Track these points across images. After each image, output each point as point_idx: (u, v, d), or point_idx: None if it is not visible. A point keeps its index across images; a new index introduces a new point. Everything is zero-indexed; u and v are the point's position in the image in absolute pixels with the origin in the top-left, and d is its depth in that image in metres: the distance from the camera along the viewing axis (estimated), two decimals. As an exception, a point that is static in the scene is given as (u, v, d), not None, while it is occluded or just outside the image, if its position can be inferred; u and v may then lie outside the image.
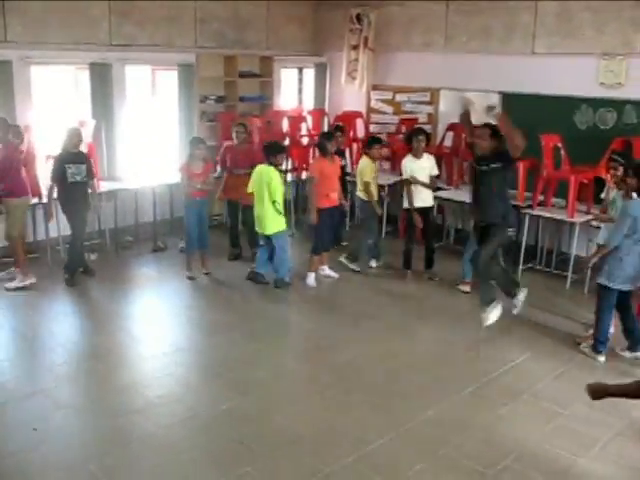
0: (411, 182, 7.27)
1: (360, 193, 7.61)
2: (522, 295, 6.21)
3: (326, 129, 9.80)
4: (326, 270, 7.55)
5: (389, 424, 4.64)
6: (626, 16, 7.38)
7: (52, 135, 7.70)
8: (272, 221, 6.95)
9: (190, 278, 7.34)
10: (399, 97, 9.77)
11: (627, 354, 5.77)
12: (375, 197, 7.56)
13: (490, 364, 5.58)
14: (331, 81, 10.64)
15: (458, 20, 8.88)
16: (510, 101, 8.40)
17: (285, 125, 9.71)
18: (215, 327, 6.23)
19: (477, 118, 6.14)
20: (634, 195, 5.42)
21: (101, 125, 8.24)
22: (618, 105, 7.54)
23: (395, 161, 9.11)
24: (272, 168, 6.89)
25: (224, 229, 8.48)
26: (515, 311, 6.23)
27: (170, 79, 9.10)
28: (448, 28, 9.01)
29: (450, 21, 8.97)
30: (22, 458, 4.16)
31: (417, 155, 7.32)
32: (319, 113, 10.33)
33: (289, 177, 9.44)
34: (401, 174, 7.46)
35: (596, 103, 7.69)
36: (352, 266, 7.72)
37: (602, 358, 5.68)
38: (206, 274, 7.44)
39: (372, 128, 10.03)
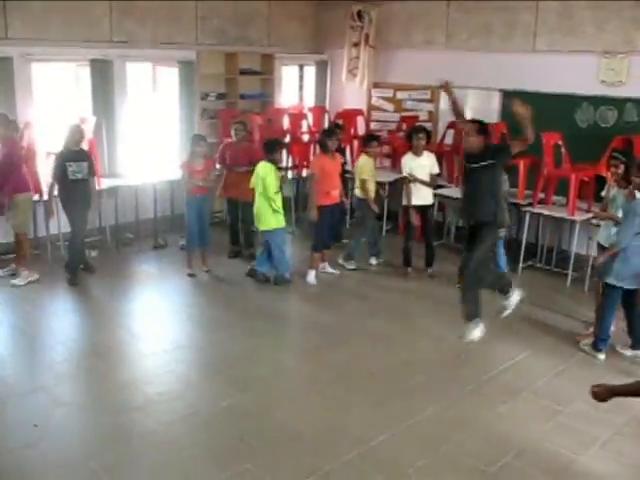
0: (410, 180, 7.27)
1: (357, 191, 7.61)
2: (516, 297, 5.83)
3: (325, 127, 9.79)
4: (326, 268, 7.55)
5: (389, 421, 4.64)
6: (627, 14, 7.37)
7: (53, 132, 7.70)
8: (266, 217, 6.95)
9: (190, 275, 7.34)
10: (400, 95, 9.77)
11: (628, 352, 5.77)
12: (372, 195, 7.55)
13: (490, 362, 5.59)
14: (332, 78, 10.63)
15: (459, 17, 8.87)
16: (511, 99, 8.36)
17: (286, 122, 9.70)
18: (215, 324, 6.24)
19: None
20: (638, 194, 5.41)
21: (102, 122, 8.22)
22: (619, 103, 7.53)
23: (396, 159, 9.11)
24: (269, 164, 6.88)
25: (224, 226, 8.47)
26: (505, 313, 5.82)
27: (171, 76, 9.09)
28: (449, 26, 9.00)
29: (451, 19, 8.96)
30: (22, 455, 4.16)
31: (417, 153, 7.31)
32: (320, 110, 10.32)
33: (290, 174, 9.43)
34: (401, 172, 7.47)
35: (597, 101, 7.69)
36: (348, 265, 7.73)
37: (602, 356, 5.69)
38: (206, 271, 7.45)
39: (373, 126, 10.03)
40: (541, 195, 7.69)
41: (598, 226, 6.48)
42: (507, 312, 5.83)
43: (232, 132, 7.79)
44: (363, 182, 7.47)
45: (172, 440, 4.39)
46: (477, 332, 5.58)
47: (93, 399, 4.94)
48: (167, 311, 6.71)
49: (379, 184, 8.04)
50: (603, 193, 6.49)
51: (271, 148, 6.94)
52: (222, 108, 9.46)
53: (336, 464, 4.14)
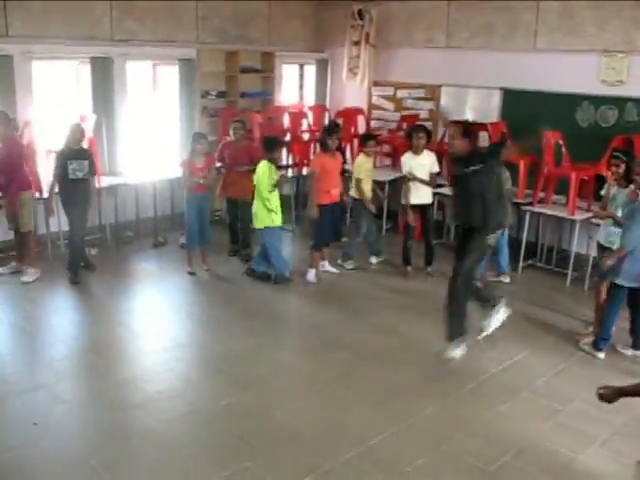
0: (409, 178, 7.27)
1: (352, 190, 7.60)
2: (501, 315, 5.51)
3: (326, 124, 9.79)
4: (326, 266, 7.55)
5: (389, 420, 4.64)
6: (627, 14, 7.36)
7: (53, 130, 7.69)
8: (261, 216, 6.95)
9: (191, 273, 7.34)
10: (400, 93, 9.77)
11: (629, 352, 5.77)
12: (368, 195, 7.54)
13: (490, 361, 5.58)
14: (332, 77, 10.63)
15: (459, 17, 8.86)
16: (512, 98, 8.40)
17: (286, 121, 9.70)
18: (215, 323, 6.24)
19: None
20: None
21: (102, 120, 8.22)
22: (619, 102, 7.53)
23: (396, 158, 9.10)
24: (265, 162, 6.87)
25: (224, 225, 8.47)
26: (482, 335, 5.51)
27: (171, 74, 9.09)
28: (449, 24, 8.99)
29: (452, 17, 8.96)
30: (22, 453, 4.16)
31: (417, 152, 7.30)
32: (320, 109, 10.32)
33: (290, 173, 9.43)
34: (401, 171, 7.46)
35: (597, 100, 7.68)
36: (347, 265, 7.72)
37: (602, 355, 5.69)
38: (206, 270, 7.44)
39: (373, 124, 10.03)
40: (541, 194, 7.69)
41: (598, 225, 6.48)
42: (484, 333, 5.55)
43: (231, 131, 7.78)
44: (358, 182, 7.47)
45: (172, 438, 4.39)
46: (459, 351, 5.45)
47: (93, 397, 4.94)
48: (167, 309, 6.71)
49: (377, 183, 8.02)
50: (602, 192, 6.49)
51: (270, 147, 6.93)
52: (222, 106, 9.45)
53: (336, 463, 4.15)
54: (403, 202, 7.41)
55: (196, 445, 4.31)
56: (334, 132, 7.32)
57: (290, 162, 9.52)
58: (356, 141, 9.57)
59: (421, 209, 7.44)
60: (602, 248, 5.97)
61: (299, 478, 4.00)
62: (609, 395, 3.26)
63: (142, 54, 8.63)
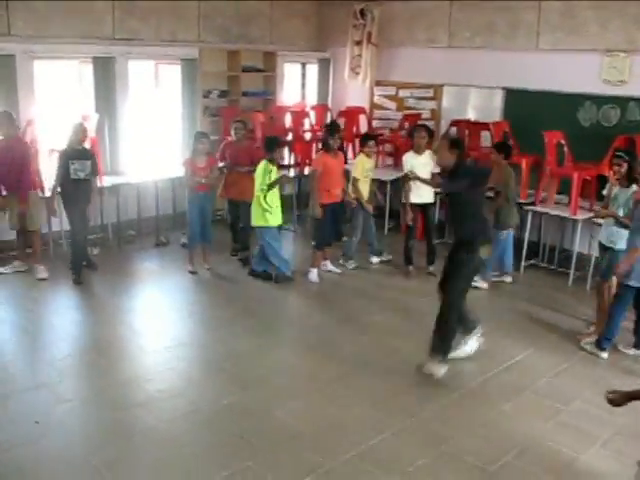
0: (410, 177, 7.25)
1: (349, 189, 7.58)
2: (473, 343, 5.50)
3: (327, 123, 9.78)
4: (328, 265, 7.55)
5: (390, 420, 4.64)
6: (630, 14, 7.35)
7: (55, 129, 7.70)
8: (256, 214, 6.96)
9: (192, 273, 7.34)
10: (402, 93, 9.76)
11: (631, 351, 5.77)
12: (365, 195, 7.52)
13: (492, 360, 5.58)
14: (334, 76, 10.63)
15: (461, 16, 8.85)
16: (514, 97, 8.39)
17: (288, 120, 9.70)
18: (217, 322, 6.24)
19: None
20: None
21: (104, 119, 8.23)
22: (622, 102, 7.51)
23: (398, 157, 9.09)
24: (264, 161, 6.86)
25: (226, 224, 8.46)
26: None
27: (173, 73, 9.09)
28: (452, 24, 8.98)
29: (454, 17, 8.94)
30: (24, 451, 4.17)
31: (418, 151, 7.30)
32: (322, 108, 10.32)
33: (291, 172, 9.43)
34: (403, 170, 7.45)
35: (600, 100, 7.67)
36: (348, 265, 7.72)
37: (605, 355, 5.68)
38: (208, 269, 7.44)
39: (375, 124, 10.03)
40: (543, 194, 7.68)
41: (600, 225, 6.47)
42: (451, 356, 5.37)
43: (232, 131, 7.77)
44: (355, 181, 7.46)
45: (173, 437, 4.39)
46: (442, 370, 5.21)
47: (94, 396, 4.94)
48: (168, 308, 6.71)
49: (379, 183, 8.01)
50: (605, 192, 6.48)
51: (270, 146, 6.91)
52: (224, 105, 9.46)
53: (336, 462, 4.14)
54: (403, 201, 7.41)
55: (197, 444, 4.31)
56: (337, 131, 7.32)
57: (292, 162, 9.51)
58: (358, 141, 9.57)
59: (422, 208, 7.44)
60: (604, 248, 5.96)
61: (299, 477, 4.00)
62: (618, 399, 3.30)
63: (144, 53, 8.63)
